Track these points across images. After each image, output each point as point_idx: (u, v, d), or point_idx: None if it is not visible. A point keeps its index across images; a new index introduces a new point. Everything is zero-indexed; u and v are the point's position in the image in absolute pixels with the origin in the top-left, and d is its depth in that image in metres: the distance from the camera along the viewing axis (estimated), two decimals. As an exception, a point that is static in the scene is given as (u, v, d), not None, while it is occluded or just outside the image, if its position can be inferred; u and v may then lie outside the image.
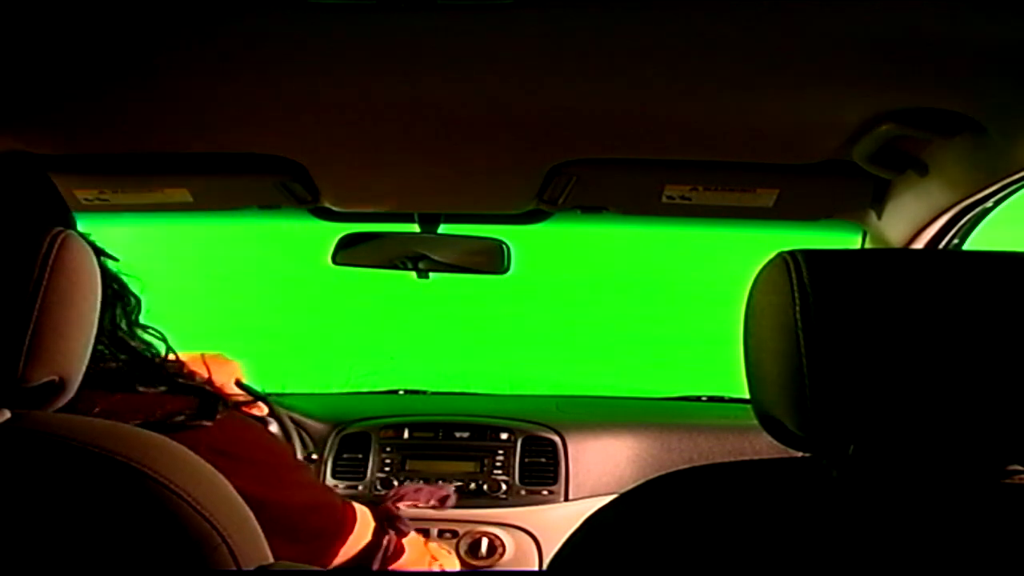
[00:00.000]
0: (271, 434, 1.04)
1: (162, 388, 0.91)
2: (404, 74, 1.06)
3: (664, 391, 2.17)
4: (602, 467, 1.66)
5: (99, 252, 0.92)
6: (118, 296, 0.94)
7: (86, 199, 1.45)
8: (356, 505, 1.09)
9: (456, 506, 1.58)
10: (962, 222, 1.34)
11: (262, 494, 0.84)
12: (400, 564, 1.13)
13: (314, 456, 1.63)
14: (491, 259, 1.65)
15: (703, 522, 0.64)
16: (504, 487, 1.62)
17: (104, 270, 0.91)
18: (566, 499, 1.62)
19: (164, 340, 0.96)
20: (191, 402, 0.90)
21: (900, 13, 0.89)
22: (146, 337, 0.95)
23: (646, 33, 0.95)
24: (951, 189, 1.25)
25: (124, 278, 0.96)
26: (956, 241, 1.38)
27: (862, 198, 1.44)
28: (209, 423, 0.89)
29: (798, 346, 0.63)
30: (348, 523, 1.04)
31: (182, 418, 0.88)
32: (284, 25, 0.94)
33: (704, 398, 2.01)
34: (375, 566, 1.10)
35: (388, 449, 1.68)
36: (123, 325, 0.93)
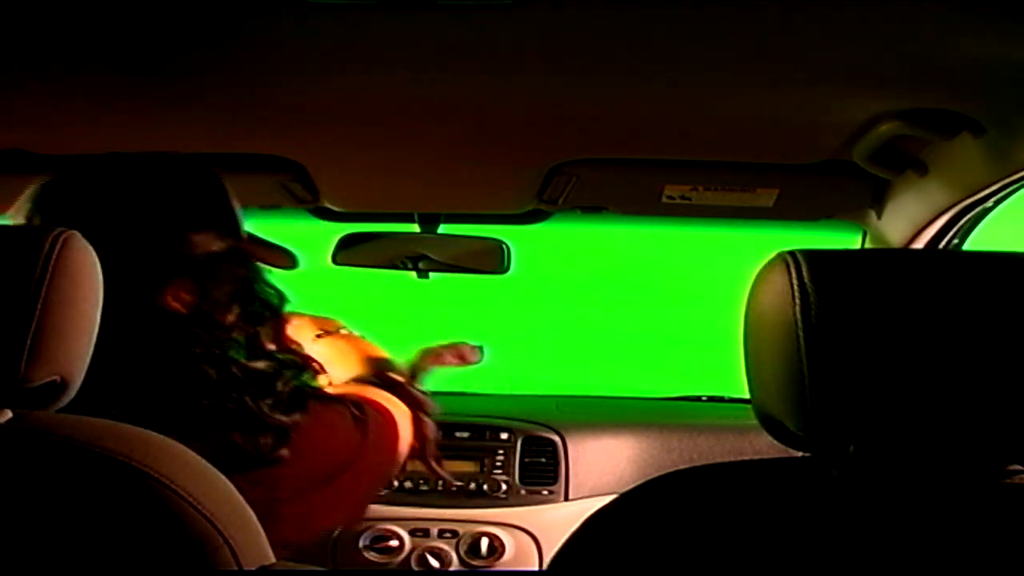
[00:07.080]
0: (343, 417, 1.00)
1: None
2: (404, 74, 1.06)
3: (664, 391, 2.17)
4: (602, 467, 1.65)
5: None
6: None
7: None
8: (394, 416, 1.12)
9: (456, 506, 1.59)
10: (962, 222, 1.34)
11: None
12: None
13: None
14: (491, 259, 1.65)
15: (703, 522, 0.64)
16: (504, 487, 1.61)
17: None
18: (566, 499, 1.62)
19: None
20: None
21: (900, 13, 0.89)
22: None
23: (646, 33, 0.95)
24: (951, 189, 1.26)
25: None
26: (956, 241, 1.38)
27: (862, 198, 1.44)
28: (287, 453, 0.87)
29: (798, 346, 0.63)
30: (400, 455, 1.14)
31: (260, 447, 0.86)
32: (284, 25, 0.94)
33: (704, 398, 2.01)
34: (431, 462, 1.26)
35: (388, 449, 1.68)
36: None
